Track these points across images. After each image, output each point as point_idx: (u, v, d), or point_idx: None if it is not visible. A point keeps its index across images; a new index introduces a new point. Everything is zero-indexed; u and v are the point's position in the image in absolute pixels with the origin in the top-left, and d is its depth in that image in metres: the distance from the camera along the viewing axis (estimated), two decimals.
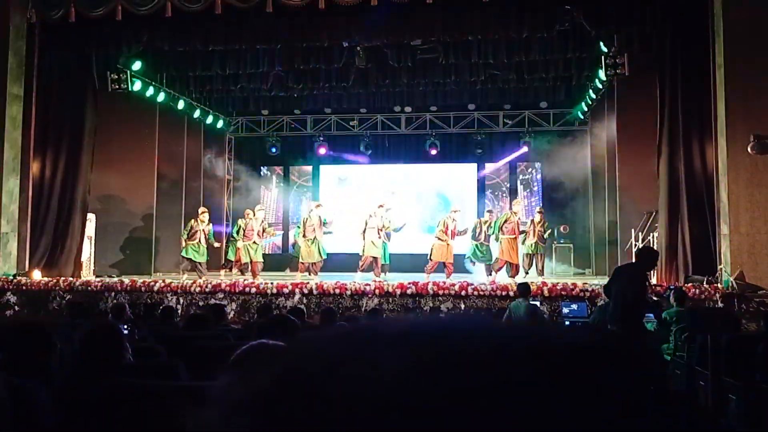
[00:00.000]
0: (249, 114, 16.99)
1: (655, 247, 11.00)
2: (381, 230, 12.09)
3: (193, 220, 12.63)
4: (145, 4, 10.63)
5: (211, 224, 12.65)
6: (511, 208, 12.50)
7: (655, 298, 7.50)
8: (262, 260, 12.59)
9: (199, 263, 12.32)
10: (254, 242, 12.37)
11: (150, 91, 13.25)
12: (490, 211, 13.22)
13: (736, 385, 5.31)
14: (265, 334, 2.75)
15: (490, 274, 12.05)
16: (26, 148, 11.58)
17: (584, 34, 11.05)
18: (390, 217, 12.35)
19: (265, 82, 13.70)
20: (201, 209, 12.89)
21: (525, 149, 16.17)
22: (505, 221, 12.04)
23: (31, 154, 11.65)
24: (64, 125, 12.17)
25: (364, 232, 12.16)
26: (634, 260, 7.33)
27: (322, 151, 16.77)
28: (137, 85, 12.81)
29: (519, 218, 12.31)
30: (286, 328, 3.00)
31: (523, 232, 12.48)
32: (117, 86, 12.40)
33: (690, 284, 9.43)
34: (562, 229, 12.62)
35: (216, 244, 13.18)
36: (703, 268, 9.70)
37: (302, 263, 12.40)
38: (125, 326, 4.72)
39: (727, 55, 9.23)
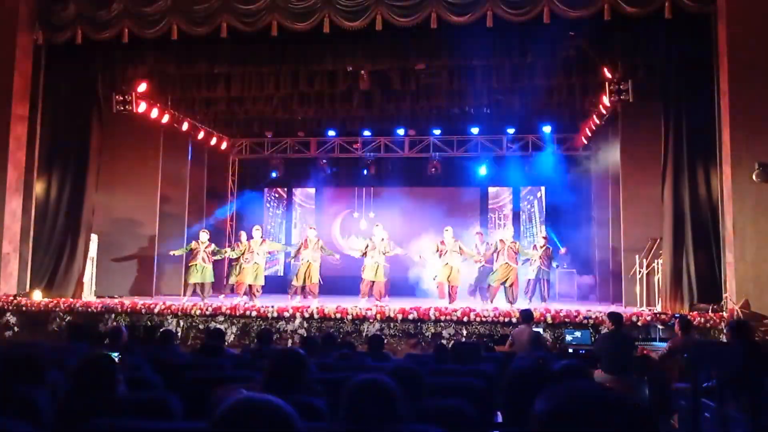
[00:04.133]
0: (253, 136, 17.01)
1: (659, 275, 10.91)
2: (384, 254, 12.05)
3: (194, 241, 12.59)
4: (152, 27, 10.69)
5: (212, 244, 12.60)
6: (502, 236, 12.36)
7: None
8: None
9: (201, 284, 12.25)
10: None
11: (154, 113, 13.27)
12: (479, 233, 13.14)
13: (742, 417, 5.21)
14: (274, 379, 2.68)
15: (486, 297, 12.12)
16: (30, 169, 11.59)
17: (588, 60, 11.06)
18: (387, 241, 12.26)
19: (269, 105, 13.73)
20: (202, 231, 12.85)
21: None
22: (495, 250, 12.00)
23: (34, 174, 11.66)
24: (69, 146, 12.17)
25: (365, 255, 12.12)
26: None
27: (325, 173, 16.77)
28: (142, 107, 12.82)
29: (510, 245, 11.91)
30: (297, 370, 2.89)
31: (526, 259, 12.39)
32: (122, 107, 12.41)
33: (695, 312, 9.33)
34: (562, 252, 12.48)
35: (231, 254, 13.11)
36: (708, 297, 9.60)
37: (296, 286, 12.28)
38: (119, 353, 4.65)
39: (732, 82, 9.20)
